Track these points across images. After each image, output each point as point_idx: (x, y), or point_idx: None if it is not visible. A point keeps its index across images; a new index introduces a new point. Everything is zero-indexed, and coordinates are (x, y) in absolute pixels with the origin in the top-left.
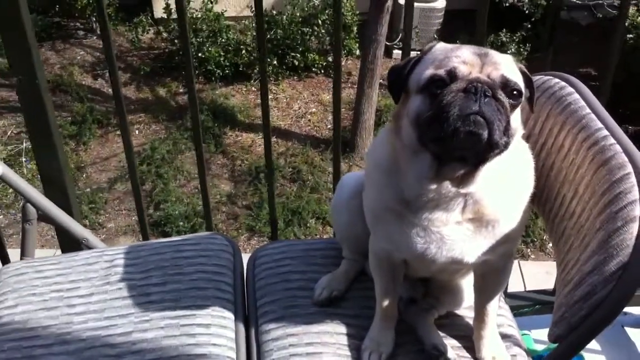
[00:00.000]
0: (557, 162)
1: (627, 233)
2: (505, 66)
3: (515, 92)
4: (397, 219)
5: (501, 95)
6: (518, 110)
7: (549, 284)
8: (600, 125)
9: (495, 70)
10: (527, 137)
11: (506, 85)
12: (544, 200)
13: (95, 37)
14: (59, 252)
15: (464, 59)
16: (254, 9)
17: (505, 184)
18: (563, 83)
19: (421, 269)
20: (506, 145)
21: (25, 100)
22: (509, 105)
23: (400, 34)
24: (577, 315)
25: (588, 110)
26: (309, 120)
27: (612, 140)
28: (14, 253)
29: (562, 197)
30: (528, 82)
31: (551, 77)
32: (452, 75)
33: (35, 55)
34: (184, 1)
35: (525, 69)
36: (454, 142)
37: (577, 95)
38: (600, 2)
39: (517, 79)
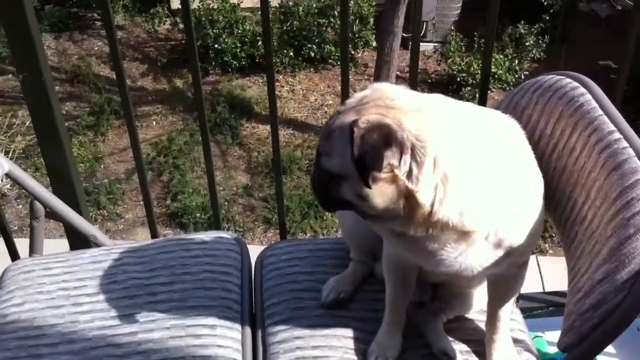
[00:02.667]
0: (569, 165)
1: (639, 241)
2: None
3: None
4: (397, 236)
5: None
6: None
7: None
8: (612, 127)
9: None
10: (538, 139)
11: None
12: (554, 204)
13: None
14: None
15: None
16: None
17: (504, 198)
18: (575, 83)
19: (433, 275)
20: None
21: (31, 98)
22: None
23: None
24: (587, 324)
25: (600, 112)
26: (326, 112)
27: (624, 144)
28: (20, 242)
29: (573, 201)
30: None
31: (563, 77)
32: None
33: (40, 51)
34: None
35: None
36: None
37: (589, 96)
38: None
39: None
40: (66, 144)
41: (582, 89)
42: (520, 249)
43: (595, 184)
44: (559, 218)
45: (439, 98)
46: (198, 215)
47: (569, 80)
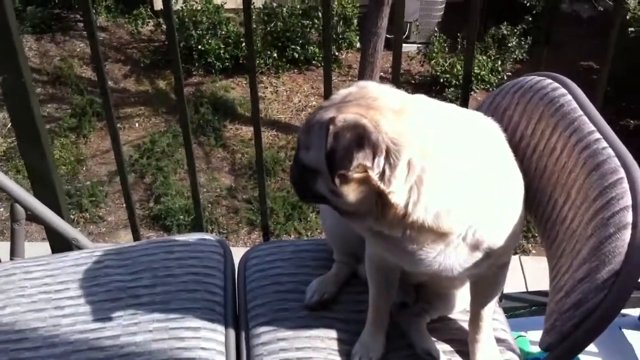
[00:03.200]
0: (549, 165)
1: (619, 240)
2: None
3: None
4: (376, 236)
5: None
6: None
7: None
8: (592, 128)
9: None
10: (519, 139)
11: None
12: (535, 204)
13: None
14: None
15: None
16: (253, 1)
17: (484, 200)
18: (556, 84)
19: (415, 275)
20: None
21: (11, 100)
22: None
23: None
24: (568, 323)
25: (580, 112)
26: (309, 113)
27: (604, 144)
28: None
29: (554, 201)
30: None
31: (544, 78)
32: None
33: (20, 53)
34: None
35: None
36: None
37: (569, 97)
38: None
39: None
40: (47, 146)
41: (563, 90)
42: (500, 250)
43: (576, 183)
44: (540, 218)
45: (422, 99)
46: (181, 217)
47: (549, 81)
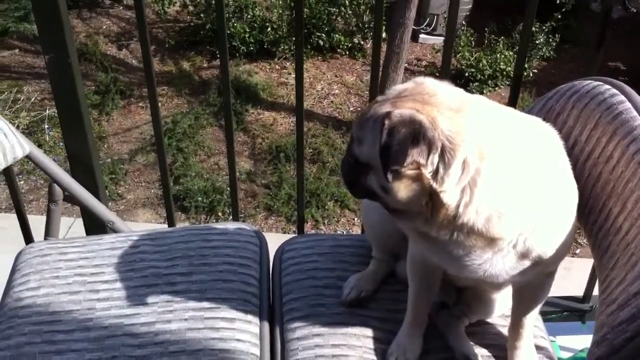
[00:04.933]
0: (604, 174)
1: None
2: None
3: None
4: (422, 236)
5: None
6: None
7: (569, 281)
8: None
9: None
10: (572, 145)
11: None
12: (587, 212)
13: (122, 7)
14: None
15: None
16: None
17: (537, 207)
18: (614, 90)
19: (458, 278)
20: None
21: (56, 80)
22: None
23: (428, 18)
24: (620, 337)
25: None
26: (332, 101)
27: None
28: (34, 219)
29: (608, 211)
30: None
31: (602, 83)
32: None
33: (68, 33)
34: None
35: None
36: None
37: (629, 104)
38: None
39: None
40: (89, 129)
41: (621, 97)
42: (550, 259)
43: (633, 194)
44: (591, 227)
45: (481, 100)
46: (200, 199)
47: (607, 86)
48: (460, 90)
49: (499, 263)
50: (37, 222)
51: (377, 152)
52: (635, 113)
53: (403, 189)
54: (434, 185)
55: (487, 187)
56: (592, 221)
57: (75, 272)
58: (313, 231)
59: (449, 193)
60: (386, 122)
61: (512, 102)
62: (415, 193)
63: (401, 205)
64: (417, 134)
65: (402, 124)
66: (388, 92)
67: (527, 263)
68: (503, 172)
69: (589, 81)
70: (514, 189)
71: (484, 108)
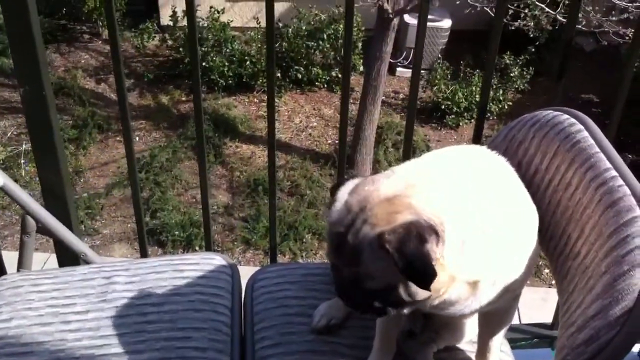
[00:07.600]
0: (564, 200)
1: (633, 278)
2: None
3: None
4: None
5: None
6: None
7: (545, 312)
8: (609, 165)
9: None
10: (533, 173)
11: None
12: (548, 237)
13: (100, 42)
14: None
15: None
16: (259, 20)
17: (507, 244)
18: (573, 120)
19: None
20: None
21: (30, 112)
22: None
23: (405, 52)
24: (579, 358)
25: (597, 149)
26: (310, 134)
27: (620, 182)
28: (8, 255)
29: (567, 236)
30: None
31: (561, 113)
32: None
33: (43, 65)
34: (194, 7)
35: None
36: None
37: (586, 133)
38: (605, 29)
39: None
40: (63, 160)
41: (580, 126)
42: (516, 284)
43: (590, 220)
44: (552, 252)
45: (418, 163)
46: (177, 233)
47: (566, 116)
48: (389, 172)
49: (476, 300)
50: (11, 258)
51: (396, 274)
52: (592, 141)
53: (437, 283)
54: (449, 263)
55: (471, 243)
56: (553, 246)
57: (47, 303)
58: None
59: (451, 264)
60: (388, 247)
61: (476, 134)
62: (439, 279)
63: (426, 296)
64: (420, 235)
65: (405, 239)
66: (341, 209)
67: (498, 291)
68: (476, 222)
69: (550, 111)
70: (487, 236)
71: (430, 171)
